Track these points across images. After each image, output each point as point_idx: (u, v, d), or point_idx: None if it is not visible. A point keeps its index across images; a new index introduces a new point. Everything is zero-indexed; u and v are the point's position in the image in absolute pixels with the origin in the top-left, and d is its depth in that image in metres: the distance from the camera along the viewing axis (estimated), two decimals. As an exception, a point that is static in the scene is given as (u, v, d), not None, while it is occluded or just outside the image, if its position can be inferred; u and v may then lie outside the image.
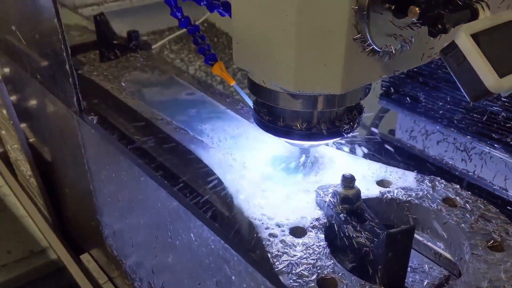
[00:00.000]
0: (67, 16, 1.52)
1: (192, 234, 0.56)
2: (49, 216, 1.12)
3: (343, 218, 0.75)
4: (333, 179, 0.89)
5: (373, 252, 0.68)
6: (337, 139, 0.85)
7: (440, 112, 1.22)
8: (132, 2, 2.08)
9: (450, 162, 1.22)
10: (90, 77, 1.30)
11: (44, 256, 1.97)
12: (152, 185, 0.60)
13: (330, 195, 0.79)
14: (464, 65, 0.59)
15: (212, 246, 0.54)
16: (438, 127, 1.24)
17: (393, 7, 0.62)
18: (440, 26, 0.58)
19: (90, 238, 1.00)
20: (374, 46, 0.65)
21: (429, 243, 0.84)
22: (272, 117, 0.82)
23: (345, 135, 0.82)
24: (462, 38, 0.58)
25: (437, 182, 0.88)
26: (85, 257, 0.99)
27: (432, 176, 0.89)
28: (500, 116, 1.10)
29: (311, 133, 0.80)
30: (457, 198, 0.84)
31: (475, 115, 1.15)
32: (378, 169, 0.92)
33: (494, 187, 1.11)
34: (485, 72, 0.58)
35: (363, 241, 0.71)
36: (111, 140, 0.66)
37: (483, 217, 0.80)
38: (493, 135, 1.13)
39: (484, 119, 1.13)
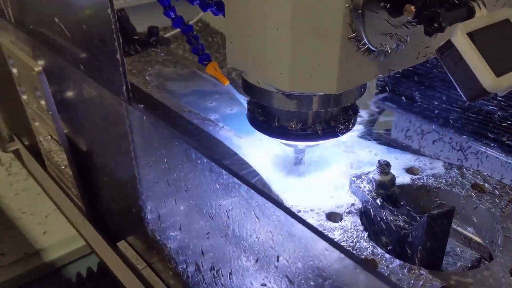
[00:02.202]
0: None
1: (253, 213, 0.59)
2: (83, 206, 1.14)
3: (379, 203, 0.78)
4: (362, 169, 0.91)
5: (413, 234, 0.71)
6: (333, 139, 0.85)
7: (436, 111, 1.24)
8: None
9: (446, 162, 1.24)
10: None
11: (38, 258, 2.00)
12: (211, 166, 0.61)
13: (365, 181, 0.82)
14: (461, 65, 0.58)
15: (277, 222, 0.56)
16: (434, 126, 1.25)
17: (388, 6, 0.62)
18: (436, 25, 0.58)
19: (128, 226, 1.02)
20: (370, 46, 0.65)
21: (459, 228, 0.86)
22: (266, 117, 0.82)
23: (340, 135, 0.83)
24: (458, 37, 0.58)
25: (464, 170, 0.90)
26: (122, 244, 1.01)
27: (459, 164, 0.92)
28: (496, 116, 1.12)
29: (306, 133, 0.81)
30: (486, 184, 0.87)
31: (471, 114, 1.17)
32: (403, 157, 0.95)
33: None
34: (481, 71, 0.57)
35: (401, 224, 0.73)
36: (163, 126, 0.68)
37: (513, 202, 0.83)
38: (489, 135, 1.15)
39: (480, 118, 1.15)
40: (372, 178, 0.80)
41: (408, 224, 0.73)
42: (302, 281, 0.59)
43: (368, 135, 1.23)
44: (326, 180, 0.89)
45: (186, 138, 0.64)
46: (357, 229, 0.77)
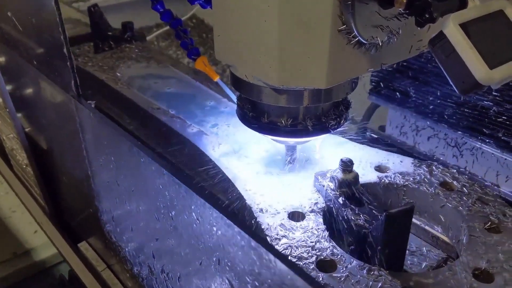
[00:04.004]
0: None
1: (194, 214, 0.56)
2: (46, 205, 1.11)
3: (341, 202, 0.75)
4: (330, 167, 0.89)
5: (372, 234, 0.68)
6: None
7: (431, 107, 1.21)
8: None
9: (441, 158, 1.21)
10: (84, 67, 1.29)
11: (27, 258, 1.97)
12: (152, 166, 0.59)
13: (329, 179, 0.79)
14: (453, 57, 0.56)
15: (215, 224, 0.53)
16: (428, 122, 1.23)
17: None
18: (427, 16, 0.55)
19: (88, 226, 0.99)
20: (360, 38, 0.62)
21: (426, 227, 0.84)
22: (256, 113, 0.80)
23: (332, 132, 0.81)
24: (451, 28, 0.56)
25: (434, 167, 0.88)
26: (83, 245, 0.99)
27: (429, 162, 0.90)
28: (491, 111, 1.09)
29: (297, 129, 0.79)
30: (454, 182, 0.85)
31: (466, 109, 1.14)
32: (375, 155, 0.93)
33: (486, 183, 1.10)
34: (474, 64, 0.55)
35: (362, 223, 0.71)
36: (109, 123, 0.66)
37: (481, 200, 0.81)
38: (484, 130, 1.13)
39: (475, 114, 1.13)
40: (335, 176, 0.78)
41: (368, 223, 0.71)
42: (242, 284, 0.57)
43: (362, 132, 1.21)
44: (298, 179, 0.87)
45: (129, 136, 0.61)
46: (318, 228, 0.74)
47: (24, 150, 1.03)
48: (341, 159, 0.77)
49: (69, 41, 1.47)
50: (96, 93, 1.22)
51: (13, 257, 1.95)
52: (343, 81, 0.70)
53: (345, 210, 0.74)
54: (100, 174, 0.78)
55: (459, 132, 1.17)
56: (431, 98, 1.21)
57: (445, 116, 1.19)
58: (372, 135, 1.25)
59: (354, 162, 0.78)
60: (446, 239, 0.82)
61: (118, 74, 1.25)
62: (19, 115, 1.01)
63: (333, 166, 0.82)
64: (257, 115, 0.80)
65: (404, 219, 0.66)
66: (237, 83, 0.76)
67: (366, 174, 0.86)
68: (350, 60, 0.67)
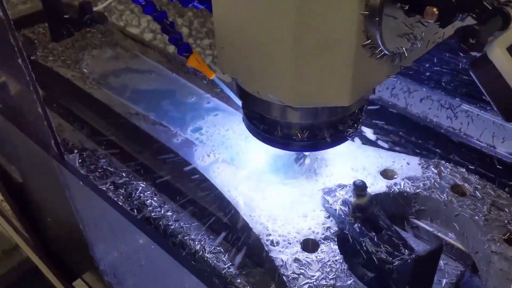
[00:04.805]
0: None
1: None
2: (29, 237, 1.03)
3: (358, 230, 0.71)
4: (335, 175, 0.84)
5: (398, 272, 0.65)
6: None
7: (427, 73, 1.17)
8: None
9: (435, 120, 1.18)
10: (46, 63, 1.17)
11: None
12: (143, 239, 0.56)
13: (340, 202, 0.74)
14: (499, 82, 0.54)
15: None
16: (425, 89, 1.19)
17: (406, 7, 0.54)
18: (473, 41, 0.52)
19: (81, 264, 0.93)
20: (385, 51, 0.58)
21: (439, 234, 0.81)
22: (268, 127, 0.74)
23: (350, 139, 0.76)
24: (497, 53, 0.53)
25: (442, 167, 0.84)
26: (78, 284, 0.93)
27: (436, 160, 0.86)
28: None
29: (314, 143, 0.73)
30: (465, 184, 0.81)
31: (464, 77, 1.10)
32: (377, 156, 0.88)
33: (482, 145, 1.08)
34: None
35: (385, 257, 0.67)
36: (96, 189, 0.60)
37: (495, 205, 0.78)
38: (484, 97, 1.09)
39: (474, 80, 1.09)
40: (348, 200, 0.73)
41: (391, 256, 0.67)
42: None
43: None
44: (303, 192, 0.81)
45: (117, 204, 0.56)
46: (335, 260, 0.70)
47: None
48: (354, 183, 0.72)
49: (20, 23, 1.33)
50: (63, 96, 1.11)
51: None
52: (364, 94, 0.68)
53: (363, 241, 0.69)
54: (92, 229, 0.71)
55: (457, 99, 1.13)
56: (427, 65, 1.16)
57: (443, 83, 1.15)
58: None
59: (367, 186, 0.73)
60: (461, 247, 0.79)
61: (85, 71, 1.13)
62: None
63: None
64: (269, 129, 0.74)
65: (432, 259, 0.63)
66: (245, 97, 0.71)
67: (374, 183, 0.82)
68: (372, 72, 0.63)
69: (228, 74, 0.71)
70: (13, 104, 0.55)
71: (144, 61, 1.18)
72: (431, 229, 0.82)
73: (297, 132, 0.73)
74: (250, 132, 0.79)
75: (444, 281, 0.74)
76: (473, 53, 0.57)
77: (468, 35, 0.52)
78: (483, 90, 0.57)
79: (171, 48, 1.38)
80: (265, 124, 0.75)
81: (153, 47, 1.22)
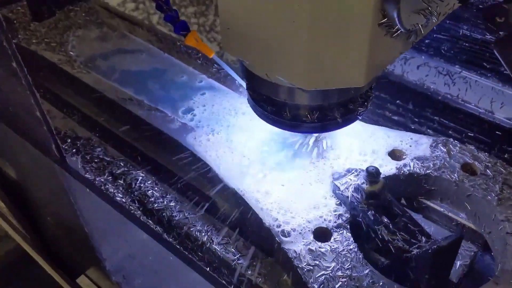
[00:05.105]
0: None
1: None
2: (27, 234, 1.00)
3: (372, 217, 0.69)
4: (342, 158, 0.82)
5: (417, 262, 0.63)
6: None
7: (426, 41, 1.13)
8: None
9: (432, 87, 1.15)
10: (29, 46, 1.11)
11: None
12: (149, 241, 0.54)
13: (352, 189, 0.72)
14: None
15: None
16: (423, 56, 1.16)
17: None
18: (500, 20, 0.49)
19: (85, 260, 0.90)
20: (402, 29, 0.56)
21: (449, 214, 0.80)
22: (277, 109, 0.71)
23: (360, 118, 0.73)
24: None
25: (451, 146, 0.82)
26: (82, 281, 0.90)
27: (444, 139, 0.83)
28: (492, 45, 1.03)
29: (323, 124, 0.71)
30: (476, 162, 0.79)
31: (464, 44, 1.07)
32: (384, 136, 0.85)
33: (480, 111, 1.06)
34: None
35: (401, 245, 0.66)
36: (101, 194, 0.57)
37: (507, 184, 0.76)
38: (485, 64, 1.07)
39: (476, 48, 1.07)
40: (360, 187, 0.71)
41: (408, 244, 0.65)
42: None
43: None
44: (307, 182, 0.79)
45: (122, 207, 0.53)
46: (350, 249, 0.69)
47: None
48: (367, 170, 0.70)
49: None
50: (50, 81, 1.06)
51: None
52: (379, 73, 0.65)
53: (379, 228, 0.68)
54: (98, 231, 0.68)
55: (457, 66, 1.11)
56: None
57: (442, 50, 1.13)
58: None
59: (380, 172, 0.70)
60: (472, 226, 0.78)
61: (72, 53, 1.08)
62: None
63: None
64: (277, 111, 0.72)
65: (452, 249, 0.61)
66: (253, 80, 0.68)
67: (383, 165, 0.79)
68: (386, 51, 0.62)
69: (234, 56, 0.68)
70: (9, 108, 0.51)
71: (133, 41, 1.12)
72: (441, 209, 0.80)
73: (307, 113, 0.70)
74: (256, 114, 0.76)
75: (458, 263, 0.73)
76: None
77: (496, 14, 0.50)
78: (507, 69, 0.55)
79: (155, 18, 1.30)
80: (272, 106, 0.72)
81: (141, 25, 1.17)
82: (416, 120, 1.11)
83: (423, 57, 1.15)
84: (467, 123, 1.06)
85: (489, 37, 1.03)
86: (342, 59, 0.59)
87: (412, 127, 1.09)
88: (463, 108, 1.08)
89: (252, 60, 0.66)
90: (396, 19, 0.54)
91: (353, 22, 0.55)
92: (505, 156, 0.91)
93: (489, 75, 1.07)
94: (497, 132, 1.02)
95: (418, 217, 0.76)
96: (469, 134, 1.03)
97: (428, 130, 1.07)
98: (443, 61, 1.13)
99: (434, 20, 0.60)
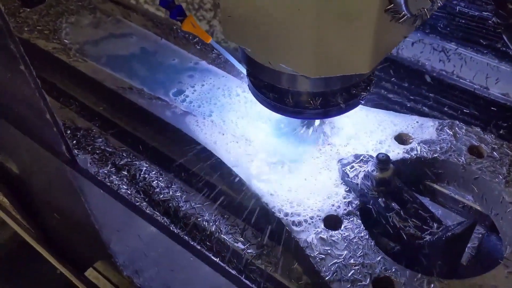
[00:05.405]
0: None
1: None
2: (32, 228, 0.98)
3: (383, 204, 0.69)
4: (349, 144, 0.81)
5: (430, 247, 0.63)
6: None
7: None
8: None
9: (427, 63, 1.14)
10: (21, 35, 1.08)
11: None
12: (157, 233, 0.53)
13: (361, 176, 0.72)
14: None
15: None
16: (419, 34, 1.15)
17: None
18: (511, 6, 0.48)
19: (93, 254, 0.89)
20: (408, 14, 0.55)
21: (456, 196, 0.80)
22: (279, 96, 0.70)
23: (363, 103, 0.72)
24: None
25: (457, 128, 0.82)
26: (91, 274, 0.89)
27: (450, 121, 0.83)
28: (489, 22, 1.02)
29: (326, 110, 0.70)
30: (482, 145, 0.79)
31: (461, 20, 1.06)
32: (388, 120, 0.85)
33: (475, 87, 1.06)
34: None
35: (413, 232, 0.66)
36: (113, 194, 0.56)
37: (514, 165, 0.76)
38: (482, 41, 1.06)
39: (472, 25, 1.06)
40: (370, 174, 0.70)
41: (420, 230, 0.66)
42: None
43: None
44: (314, 169, 0.78)
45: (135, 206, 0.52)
46: (361, 237, 0.69)
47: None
48: (377, 157, 0.69)
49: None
50: (45, 71, 1.03)
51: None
52: (382, 58, 0.64)
53: (390, 216, 0.68)
54: (108, 228, 0.68)
55: (453, 43, 1.10)
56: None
57: (439, 27, 1.12)
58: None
59: (391, 158, 0.70)
60: (479, 208, 0.78)
61: (66, 41, 1.05)
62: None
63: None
64: (280, 98, 0.71)
65: (465, 235, 0.61)
66: (253, 66, 0.67)
67: (390, 150, 0.79)
68: (391, 36, 0.61)
69: (236, 43, 0.67)
70: (18, 110, 0.50)
71: (128, 26, 1.10)
72: (448, 192, 0.80)
73: (310, 99, 0.69)
74: (258, 100, 0.75)
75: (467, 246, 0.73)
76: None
77: (507, 0, 0.49)
78: None
79: None
80: (275, 92, 0.71)
81: (135, 9, 1.14)
82: (412, 98, 1.11)
83: (418, 34, 1.14)
84: (462, 99, 1.06)
85: (485, 14, 1.02)
86: (349, 47, 0.58)
87: (408, 105, 1.08)
88: (458, 84, 1.07)
89: (254, 48, 0.64)
90: (403, 5, 0.54)
91: (360, 8, 0.55)
92: (501, 132, 0.91)
93: (485, 51, 1.06)
94: (492, 108, 1.01)
95: (425, 200, 0.76)
96: (464, 110, 1.03)
97: (424, 108, 1.07)
98: (438, 38, 1.12)
99: (439, 3, 0.60)
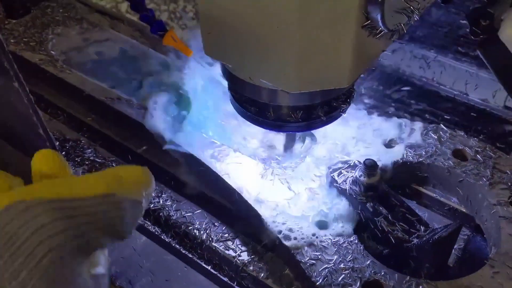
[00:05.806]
0: None
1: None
2: None
3: (371, 209, 0.70)
4: (335, 149, 0.83)
5: (417, 250, 0.65)
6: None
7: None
8: None
9: (407, 71, 1.16)
10: (7, 47, 1.07)
11: None
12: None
13: (349, 182, 0.73)
14: (509, 62, 0.52)
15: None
16: (399, 42, 1.17)
17: None
18: (484, 23, 0.50)
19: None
20: (385, 30, 0.56)
21: (442, 199, 0.82)
22: (260, 109, 0.71)
23: (344, 114, 0.73)
24: (508, 34, 0.51)
25: (441, 132, 0.84)
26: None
27: (434, 126, 0.85)
28: (467, 30, 1.05)
29: (308, 123, 0.70)
30: (466, 148, 0.81)
31: (439, 28, 1.09)
32: (373, 124, 0.86)
33: (455, 93, 1.08)
34: None
35: (401, 236, 0.67)
36: None
37: (497, 168, 0.78)
38: (460, 49, 1.09)
39: (450, 33, 1.08)
40: (358, 180, 0.72)
41: (407, 233, 0.67)
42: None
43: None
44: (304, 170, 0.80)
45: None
46: (351, 241, 0.70)
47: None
48: (364, 163, 0.71)
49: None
50: (32, 83, 1.03)
51: None
52: (362, 73, 0.65)
53: (378, 220, 0.69)
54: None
55: (432, 51, 1.12)
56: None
57: (417, 35, 1.14)
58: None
59: (378, 164, 0.71)
60: (464, 210, 0.80)
61: (53, 52, 1.05)
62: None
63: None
64: (261, 111, 0.71)
65: (451, 238, 0.63)
66: (234, 82, 0.67)
67: (376, 154, 0.80)
68: (369, 51, 0.62)
69: (216, 59, 0.67)
70: (8, 124, 0.50)
71: (115, 36, 1.10)
72: (433, 195, 0.82)
73: (291, 113, 0.69)
74: (240, 114, 0.75)
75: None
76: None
77: (480, 17, 0.51)
78: (491, 69, 0.56)
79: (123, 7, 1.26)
80: (256, 106, 0.71)
81: (123, 19, 1.14)
82: (393, 105, 1.12)
83: (399, 42, 1.16)
84: (443, 106, 1.07)
85: (463, 21, 1.04)
86: (329, 63, 0.59)
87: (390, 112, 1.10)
88: (438, 91, 1.09)
89: (235, 64, 0.64)
90: (380, 21, 0.54)
91: (339, 27, 0.55)
92: (480, 136, 0.93)
93: (463, 59, 1.08)
94: (472, 114, 1.03)
95: (411, 204, 0.78)
96: (445, 116, 1.04)
97: (405, 114, 1.08)
98: (418, 46, 1.14)
99: (415, 18, 0.61)
